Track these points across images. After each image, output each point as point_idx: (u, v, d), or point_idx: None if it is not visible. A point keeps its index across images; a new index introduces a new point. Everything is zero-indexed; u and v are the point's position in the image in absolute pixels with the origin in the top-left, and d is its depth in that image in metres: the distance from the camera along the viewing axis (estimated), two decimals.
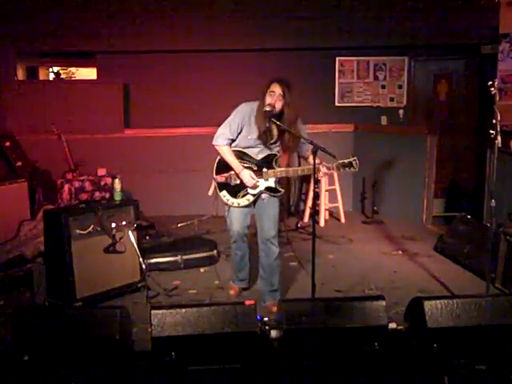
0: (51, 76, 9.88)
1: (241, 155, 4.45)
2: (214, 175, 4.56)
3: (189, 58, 7.90)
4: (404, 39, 7.82)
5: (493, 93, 4.34)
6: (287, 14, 7.65)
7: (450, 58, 8.20)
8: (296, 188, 7.87)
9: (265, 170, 4.42)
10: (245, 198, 4.48)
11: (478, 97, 7.96)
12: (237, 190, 4.48)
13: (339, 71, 8.14)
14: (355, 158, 4.32)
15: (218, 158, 4.55)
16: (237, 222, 4.58)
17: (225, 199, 4.53)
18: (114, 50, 7.76)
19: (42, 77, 9.37)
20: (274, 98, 4.25)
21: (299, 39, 7.73)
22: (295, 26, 7.66)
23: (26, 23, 7.51)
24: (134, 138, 7.87)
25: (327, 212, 7.62)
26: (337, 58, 8.10)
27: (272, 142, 4.43)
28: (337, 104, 8.19)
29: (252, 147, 4.44)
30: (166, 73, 7.92)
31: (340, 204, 7.49)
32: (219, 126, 4.53)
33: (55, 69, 9.89)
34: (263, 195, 4.49)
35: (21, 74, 8.30)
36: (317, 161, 4.18)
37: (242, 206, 4.51)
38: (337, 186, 7.40)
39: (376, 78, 8.17)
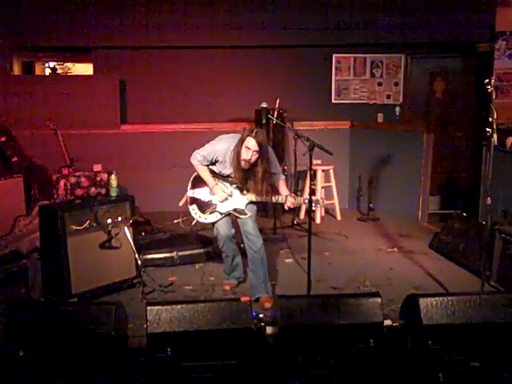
0: (47, 71, 9.84)
1: (216, 174, 4.69)
2: (189, 189, 4.80)
3: (185, 54, 7.89)
4: (401, 37, 7.81)
5: (489, 91, 4.34)
6: (284, 11, 7.65)
7: (446, 55, 8.21)
8: (292, 185, 7.86)
9: (237, 192, 4.66)
10: (213, 215, 4.71)
11: (475, 95, 7.97)
12: (206, 206, 4.72)
13: (336, 68, 8.13)
14: (322, 198, 4.73)
15: (195, 174, 4.77)
16: (222, 226, 4.73)
17: (193, 213, 4.78)
18: (110, 46, 7.75)
19: (38, 72, 9.34)
20: (250, 153, 4.37)
21: (296, 36, 7.72)
22: (292, 22, 7.66)
23: (22, 18, 7.50)
24: (130, 133, 7.86)
25: (323, 209, 7.62)
26: (333, 55, 8.10)
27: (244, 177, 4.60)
28: (333, 101, 8.19)
29: (227, 176, 4.67)
30: (163, 69, 7.91)
31: (336, 201, 7.49)
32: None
33: (51, 64, 9.86)
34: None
35: (17, 69, 8.27)
36: (286, 192, 4.61)
37: (209, 222, 4.75)
38: (333, 183, 7.40)
39: (372, 75, 8.17)
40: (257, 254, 4.61)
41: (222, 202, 4.64)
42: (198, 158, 4.61)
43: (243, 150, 4.36)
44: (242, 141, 4.38)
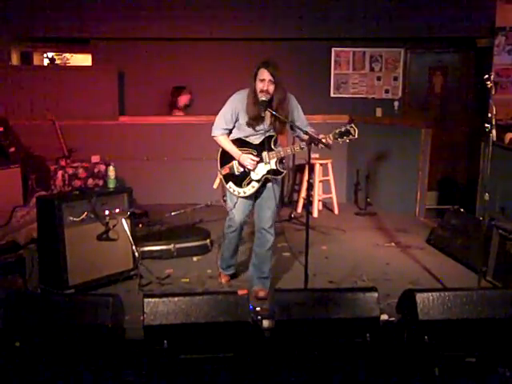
0: (46, 62, 9.81)
1: (240, 143, 4.46)
2: (219, 168, 4.56)
3: (185, 46, 7.87)
4: (400, 31, 7.81)
5: (489, 86, 4.32)
6: (284, 4, 7.63)
7: (446, 50, 8.21)
8: (290, 178, 7.86)
9: (264, 153, 4.41)
10: (250, 186, 4.46)
11: (474, 90, 7.97)
12: (241, 178, 4.47)
13: (335, 62, 8.13)
14: (352, 124, 4.29)
15: (220, 150, 4.56)
16: (241, 212, 4.56)
17: (231, 190, 4.52)
18: (109, 37, 7.72)
19: (36, 62, 9.31)
20: (265, 84, 4.28)
21: (295, 29, 7.71)
22: (292, 16, 7.65)
23: (20, 8, 7.46)
24: (128, 125, 7.83)
25: (321, 203, 7.63)
26: (333, 49, 8.09)
27: (266, 127, 4.41)
28: (332, 95, 8.19)
29: (250, 135, 4.44)
30: (162, 60, 7.89)
31: (333, 195, 7.49)
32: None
33: (50, 54, 9.82)
34: (267, 182, 4.49)
35: (15, 59, 8.24)
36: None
37: (249, 195, 4.50)
38: (330, 177, 7.40)
39: (372, 69, 8.16)
40: (265, 251, 4.57)
41: (255, 170, 4.42)
42: (220, 125, 4.45)
43: (258, 83, 4.29)
44: (255, 76, 4.32)
